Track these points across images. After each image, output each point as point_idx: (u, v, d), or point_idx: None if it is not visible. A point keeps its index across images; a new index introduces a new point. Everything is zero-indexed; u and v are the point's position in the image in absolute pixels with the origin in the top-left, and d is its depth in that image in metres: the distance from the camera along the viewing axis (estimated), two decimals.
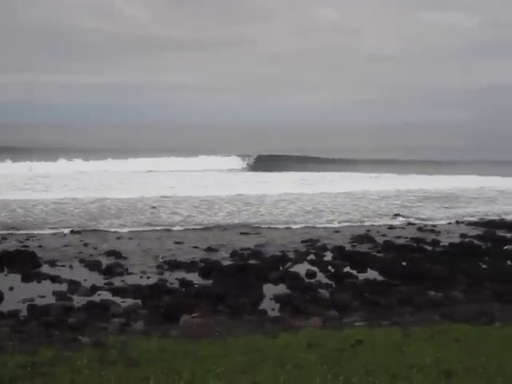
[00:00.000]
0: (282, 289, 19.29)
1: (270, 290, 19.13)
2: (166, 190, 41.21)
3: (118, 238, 26.81)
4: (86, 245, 25.32)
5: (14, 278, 20.30)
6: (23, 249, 23.84)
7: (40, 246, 24.76)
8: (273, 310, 17.36)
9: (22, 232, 27.63)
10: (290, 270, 21.44)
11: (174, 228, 29.23)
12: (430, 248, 25.07)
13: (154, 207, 34.68)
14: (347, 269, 21.74)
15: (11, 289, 18.85)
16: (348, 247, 25.09)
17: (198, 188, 42.94)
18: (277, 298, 18.21)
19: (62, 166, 55.64)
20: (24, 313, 16.56)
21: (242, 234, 28.35)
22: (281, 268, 21.73)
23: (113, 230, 28.74)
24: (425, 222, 31.69)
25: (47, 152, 69.27)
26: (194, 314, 16.18)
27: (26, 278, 20.33)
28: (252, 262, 22.40)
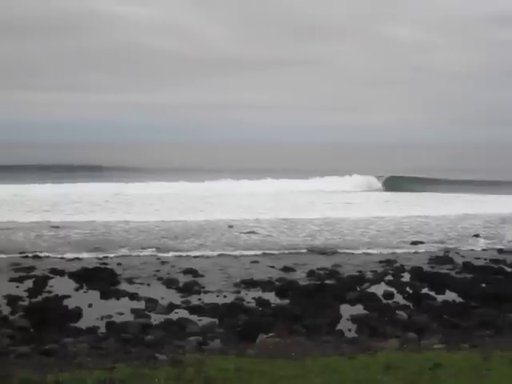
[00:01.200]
0: (359, 309, 19.11)
1: (346, 310, 18.95)
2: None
3: (196, 257, 26.96)
4: (163, 263, 25.56)
5: (93, 295, 20.58)
6: (102, 266, 24.18)
7: (119, 264, 25.09)
8: (350, 330, 17.19)
9: (102, 251, 27.99)
10: (368, 290, 21.24)
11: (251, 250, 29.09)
12: (510, 270, 24.54)
13: (230, 226, 34.85)
14: (425, 290, 21.42)
15: (90, 305, 19.09)
16: (426, 268, 24.72)
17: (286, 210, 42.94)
18: (354, 319, 18.04)
19: (146, 186, 55.75)
20: (102, 329, 16.75)
21: (319, 253, 28.21)
22: (358, 288, 21.53)
23: (192, 248, 28.87)
24: (506, 244, 31.03)
25: (131, 171, 70.23)
26: (270, 334, 16.13)
27: (105, 295, 20.58)
28: (329, 281, 22.27)
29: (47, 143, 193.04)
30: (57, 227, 33.93)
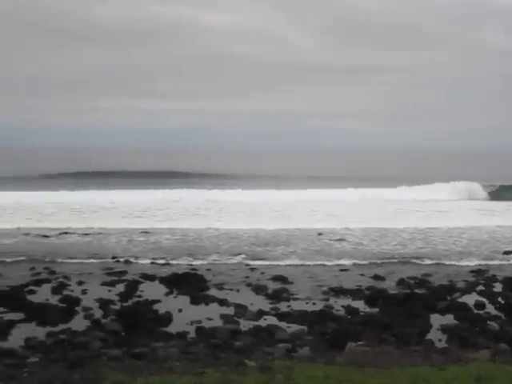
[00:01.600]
0: (449, 319, 18.78)
1: (436, 320, 18.66)
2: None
3: (286, 265, 27.03)
4: (252, 269, 25.68)
5: (183, 300, 20.79)
6: (192, 272, 24.41)
7: (208, 270, 25.32)
8: (440, 340, 16.92)
9: (192, 256, 28.30)
10: (458, 300, 20.88)
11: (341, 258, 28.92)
12: None
13: (320, 234, 34.78)
14: None
15: (180, 310, 19.30)
16: None
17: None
18: (444, 329, 17.75)
19: (236, 193, 55.83)
20: (192, 334, 16.90)
21: (408, 263, 27.94)
22: (448, 298, 21.19)
23: (282, 256, 28.95)
24: None
25: (221, 178, 70.57)
26: (359, 342, 16.02)
27: (195, 301, 20.77)
28: (419, 291, 22.00)
29: (142, 149, 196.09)
30: (147, 232, 34.49)
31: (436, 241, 33.65)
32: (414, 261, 28.24)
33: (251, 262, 27.19)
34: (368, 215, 44.10)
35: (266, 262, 27.30)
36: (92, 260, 27.34)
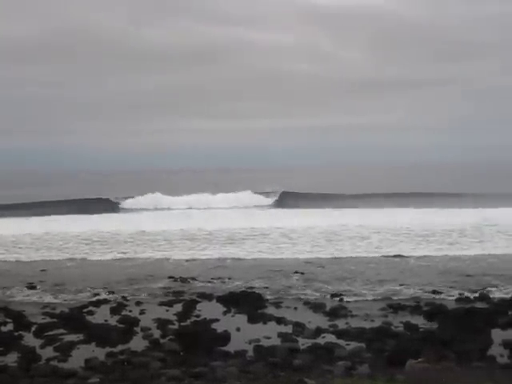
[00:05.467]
0: (511, 334, 18.47)
1: (498, 335, 18.36)
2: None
3: (341, 279, 26.93)
4: (306, 286, 25.62)
5: (241, 319, 20.81)
6: (249, 290, 24.41)
7: (266, 287, 25.32)
8: (502, 356, 16.63)
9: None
10: None
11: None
12: None
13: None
14: None
15: (238, 329, 19.31)
16: None
17: None
18: (506, 344, 17.45)
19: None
20: (250, 353, 16.88)
21: (467, 276, 27.59)
22: (510, 312, 20.85)
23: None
24: None
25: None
26: (419, 359, 15.83)
27: (252, 319, 20.76)
28: (479, 305, 21.71)
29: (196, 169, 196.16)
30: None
31: None
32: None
33: (305, 279, 27.17)
34: None
35: (320, 279, 27.21)
36: None
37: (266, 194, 70.70)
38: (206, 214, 55.76)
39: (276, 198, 69.68)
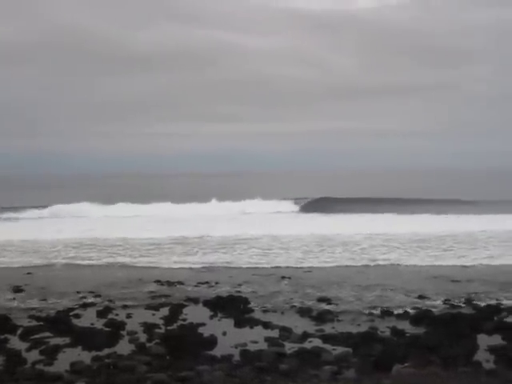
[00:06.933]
0: (496, 340, 18.51)
1: (484, 340, 18.40)
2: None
3: (330, 284, 26.96)
4: (296, 291, 25.61)
5: (228, 323, 20.76)
6: (236, 294, 24.39)
7: (253, 292, 25.31)
8: (487, 361, 16.64)
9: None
10: (505, 320, 20.59)
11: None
12: None
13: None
14: None
15: (224, 334, 19.27)
16: None
17: None
18: (492, 350, 17.48)
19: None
20: (237, 357, 16.83)
21: (453, 281, 27.69)
22: (495, 318, 20.91)
23: None
24: None
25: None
26: (406, 364, 15.87)
27: (239, 324, 20.73)
28: (465, 310, 21.77)
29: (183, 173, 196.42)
30: None
31: None
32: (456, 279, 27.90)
33: (292, 284, 27.16)
34: None
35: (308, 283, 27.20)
36: None
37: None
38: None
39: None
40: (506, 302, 23.29)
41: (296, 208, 67.58)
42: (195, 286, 27.02)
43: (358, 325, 20.34)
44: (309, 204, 69.44)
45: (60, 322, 20.21)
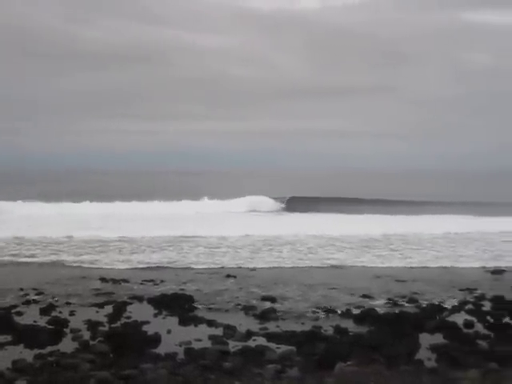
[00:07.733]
0: (438, 339, 18.77)
1: (426, 339, 18.64)
2: None
3: (276, 284, 27.05)
4: (240, 289, 25.67)
5: (172, 321, 20.70)
6: (181, 292, 24.34)
7: (197, 290, 25.29)
8: (429, 360, 16.85)
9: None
10: (447, 319, 20.88)
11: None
12: None
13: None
14: (507, 319, 20.94)
15: (169, 332, 19.19)
16: (509, 297, 24.17)
17: None
18: (433, 348, 17.71)
19: None
20: (181, 356, 16.78)
21: (397, 281, 28.01)
22: (437, 317, 21.18)
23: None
24: None
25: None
26: (349, 363, 15.99)
27: (183, 322, 20.68)
28: (407, 309, 22.02)
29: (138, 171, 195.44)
30: None
31: None
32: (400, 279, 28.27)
33: (238, 282, 27.20)
34: None
35: (252, 282, 27.28)
36: None
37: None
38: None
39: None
40: (448, 302, 23.65)
41: (248, 208, 67.49)
42: (140, 283, 26.89)
43: (302, 323, 20.43)
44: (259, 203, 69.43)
45: (1, 320, 19.92)
